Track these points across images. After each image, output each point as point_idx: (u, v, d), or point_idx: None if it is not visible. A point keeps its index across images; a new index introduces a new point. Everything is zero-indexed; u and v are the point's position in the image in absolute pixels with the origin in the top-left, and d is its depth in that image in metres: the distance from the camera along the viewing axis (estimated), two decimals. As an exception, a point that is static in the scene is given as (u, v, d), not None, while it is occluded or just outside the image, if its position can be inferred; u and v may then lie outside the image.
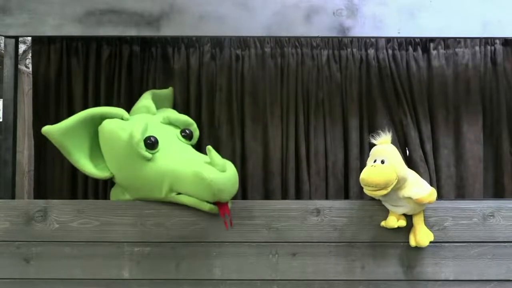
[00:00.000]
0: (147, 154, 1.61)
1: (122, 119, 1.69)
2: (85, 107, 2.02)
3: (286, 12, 1.83)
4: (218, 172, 1.55)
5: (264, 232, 1.71)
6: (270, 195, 2.07)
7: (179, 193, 1.63)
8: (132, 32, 1.84)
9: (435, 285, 1.71)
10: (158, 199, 1.69)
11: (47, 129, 1.64)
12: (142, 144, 1.60)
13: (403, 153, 2.02)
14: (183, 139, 1.75)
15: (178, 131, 1.77)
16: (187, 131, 1.77)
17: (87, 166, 1.69)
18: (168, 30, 1.84)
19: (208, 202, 1.60)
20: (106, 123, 1.68)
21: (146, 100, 1.85)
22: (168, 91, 2.05)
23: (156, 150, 1.64)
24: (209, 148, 1.58)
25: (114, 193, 1.84)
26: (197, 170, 1.55)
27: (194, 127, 1.81)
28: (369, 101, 2.12)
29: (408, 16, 1.83)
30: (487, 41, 2.11)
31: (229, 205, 1.66)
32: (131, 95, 2.10)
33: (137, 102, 1.89)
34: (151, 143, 1.62)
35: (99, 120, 1.70)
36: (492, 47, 2.10)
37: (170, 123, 1.78)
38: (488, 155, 2.11)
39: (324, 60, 2.11)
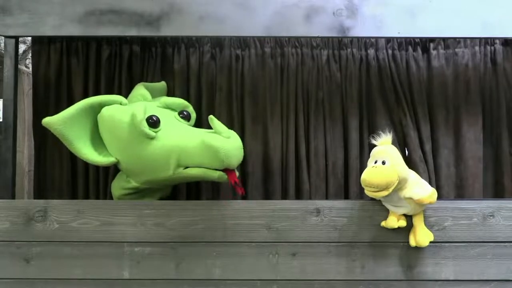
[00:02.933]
0: (151, 132, 1.62)
1: (121, 104, 1.71)
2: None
3: (286, 12, 1.84)
4: (224, 138, 1.59)
5: (264, 232, 1.71)
6: (270, 195, 2.07)
7: (186, 168, 1.64)
8: (132, 32, 1.85)
9: (435, 285, 1.71)
10: (166, 179, 1.69)
11: (47, 120, 1.64)
12: (145, 122, 1.62)
13: (402, 153, 2.02)
14: (182, 120, 1.78)
15: (176, 113, 1.79)
16: (185, 113, 1.81)
17: (90, 154, 1.69)
18: (168, 30, 1.84)
19: (216, 169, 1.63)
20: (105, 110, 1.70)
21: (140, 89, 1.86)
22: (161, 85, 2.05)
23: (158, 129, 1.65)
24: (211, 117, 1.64)
25: (116, 186, 1.83)
26: (203, 139, 1.59)
27: (191, 109, 1.85)
28: (369, 101, 2.11)
29: (408, 16, 1.83)
30: (487, 41, 2.10)
31: (237, 174, 1.68)
32: (131, 95, 2.10)
33: (132, 92, 1.90)
34: (154, 122, 1.64)
35: (98, 108, 1.72)
36: (492, 47, 2.10)
37: (167, 106, 1.80)
38: (488, 155, 2.10)
39: (324, 60, 2.11)
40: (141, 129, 1.61)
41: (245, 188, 2.08)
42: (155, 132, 1.64)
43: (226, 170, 1.65)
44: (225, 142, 1.58)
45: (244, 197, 2.06)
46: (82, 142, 1.68)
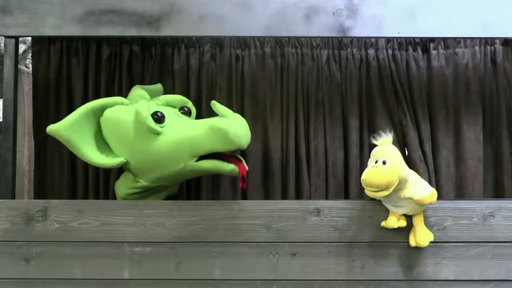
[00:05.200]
0: (157, 127, 1.63)
1: (122, 105, 1.72)
2: (85, 107, 2.02)
3: (286, 12, 1.84)
4: (230, 120, 1.61)
5: (264, 232, 1.71)
6: (270, 195, 2.07)
7: (197, 160, 1.64)
8: (132, 32, 1.84)
9: (435, 285, 1.71)
10: (177, 173, 1.68)
11: (51, 128, 1.63)
12: (150, 118, 1.62)
13: (402, 153, 2.02)
14: (183, 116, 1.79)
15: (176, 109, 1.80)
16: (185, 108, 1.82)
17: (97, 158, 1.68)
18: (168, 30, 1.84)
19: (228, 163, 1.64)
20: (108, 112, 1.70)
21: (138, 90, 1.86)
22: (157, 86, 2.04)
23: (164, 124, 1.66)
24: (214, 102, 1.67)
25: (122, 185, 1.82)
26: (210, 124, 1.60)
27: (190, 104, 1.87)
28: (369, 101, 2.11)
29: (408, 16, 1.83)
30: (487, 41, 2.10)
31: (246, 168, 1.70)
32: (131, 95, 2.10)
33: (129, 94, 1.89)
34: (158, 118, 1.65)
35: (100, 112, 1.72)
36: (492, 47, 2.10)
37: (167, 104, 1.81)
38: (488, 155, 2.10)
39: (324, 60, 2.11)
40: (148, 125, 1.61)
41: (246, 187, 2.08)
42: (161, 127, 1.65)
43: (237, 163, 1.66)
44: (232, 123, 1.60)
45: (244, 197, 2.07)
46: (88, 146, 1.68)
